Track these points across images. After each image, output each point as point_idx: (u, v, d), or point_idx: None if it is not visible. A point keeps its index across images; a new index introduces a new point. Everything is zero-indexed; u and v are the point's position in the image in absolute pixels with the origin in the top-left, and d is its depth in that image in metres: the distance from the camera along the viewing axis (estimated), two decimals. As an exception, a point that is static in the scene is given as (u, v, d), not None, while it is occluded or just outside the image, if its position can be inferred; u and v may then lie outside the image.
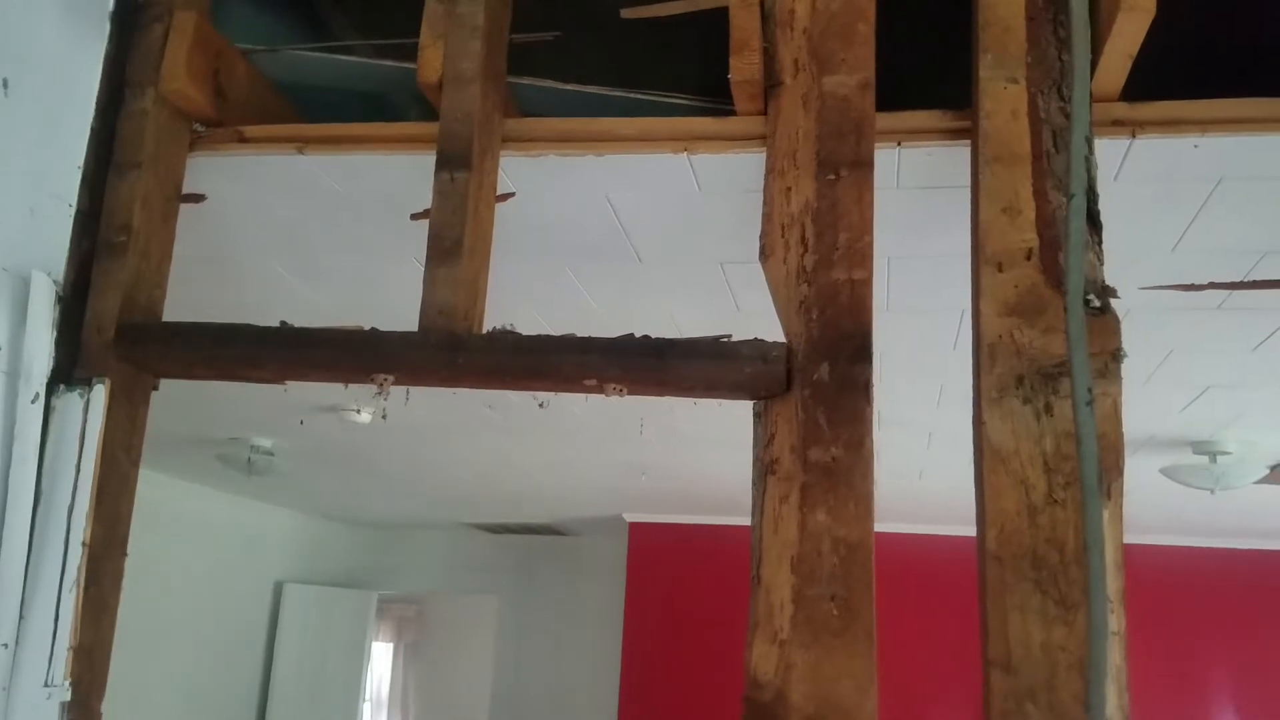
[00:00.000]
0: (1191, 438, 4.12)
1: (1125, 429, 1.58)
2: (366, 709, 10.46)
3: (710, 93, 2.00)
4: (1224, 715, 6.80)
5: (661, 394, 1.75)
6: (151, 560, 6.40)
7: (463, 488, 6.66)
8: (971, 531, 1.61)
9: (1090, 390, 1.54)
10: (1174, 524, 6.41)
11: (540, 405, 3.97)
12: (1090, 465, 1.51)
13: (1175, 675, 6.83)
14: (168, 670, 6.81)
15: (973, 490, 1.61)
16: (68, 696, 1.79)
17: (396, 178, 2.18)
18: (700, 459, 5.29)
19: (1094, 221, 1.67)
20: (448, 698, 11.59)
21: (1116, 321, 1.62)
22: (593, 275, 2.71)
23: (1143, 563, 6.65)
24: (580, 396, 1.83)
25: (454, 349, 1.80)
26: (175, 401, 4.24)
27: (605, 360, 1.73)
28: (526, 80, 2.11)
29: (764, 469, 1.63)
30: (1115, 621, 1.50)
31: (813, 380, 1.62)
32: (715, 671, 6.70)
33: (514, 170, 2.11)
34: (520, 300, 2.89)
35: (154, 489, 6.36)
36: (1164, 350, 3.05)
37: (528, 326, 1.91)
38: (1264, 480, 4.55)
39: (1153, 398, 3.51)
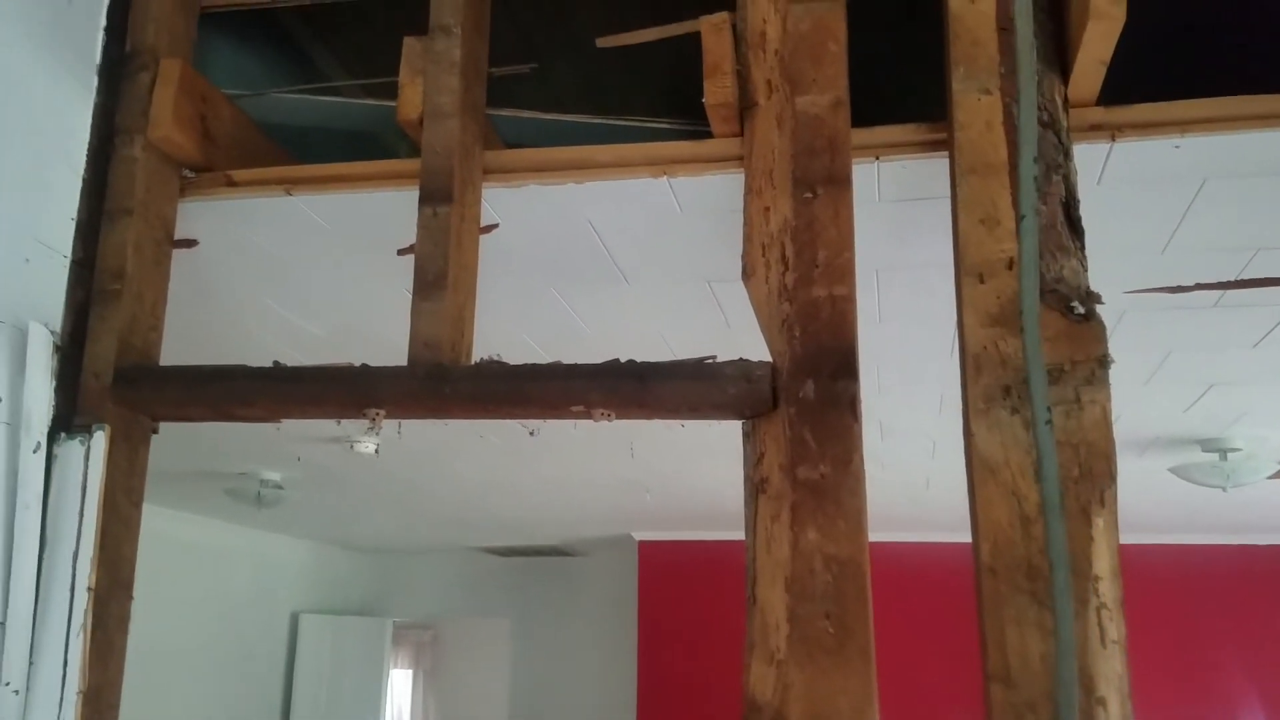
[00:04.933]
0: (1199, 436, 4.07)
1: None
2: (388, 737, 10.43)
3: (689, 114, 2.01)
4: (1249, 711, 6.74)
5: (649, 417, 1.75)
6: (168, 596, 6.43)
7: (470, 512, 6.67)
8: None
9: (1049, 410, 1.54)
10: (1190, 522, 6.37)
11: (530, 433, 3.97)
12: (1051, 485, 1.50)
13: (1196, 673, 6.77)
14: (188, 707, 6.81)
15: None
16: (78, 740, 1.81)
17: (385, 213, 2.20)
18: (703, 476, 5.28)
19: (1075, 228, 1.67)
20: (468, 721, 11.54)
21: (1102, 328, 1.61)
22: (582, 300, 2.72)
23: (1158, 563, 6.67)
24: (571, 420, 1.83)
25: (440, 380, 1.81)
26: (183, 439, 4.27)
27: (590, 386, 1.73)
28: (506, 112, 2.12)
29: (755, 488, 1.63)
30: (1115, 629, 1.49)
31: (798, 398, 1.62)
32: (731, 688, 6.64)
33: (497, 201, 2.12)
34: (512, 328, 2.90)
35: (168, 525, 6.42)
36: (1163, 351, 3.04)
37: (521, 353, 1.92)
38: (1277, 475, 4.53)
39: (1155, 398, 3.49)
